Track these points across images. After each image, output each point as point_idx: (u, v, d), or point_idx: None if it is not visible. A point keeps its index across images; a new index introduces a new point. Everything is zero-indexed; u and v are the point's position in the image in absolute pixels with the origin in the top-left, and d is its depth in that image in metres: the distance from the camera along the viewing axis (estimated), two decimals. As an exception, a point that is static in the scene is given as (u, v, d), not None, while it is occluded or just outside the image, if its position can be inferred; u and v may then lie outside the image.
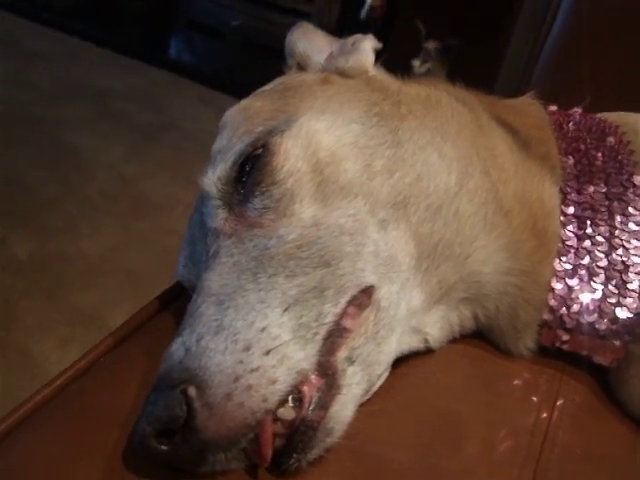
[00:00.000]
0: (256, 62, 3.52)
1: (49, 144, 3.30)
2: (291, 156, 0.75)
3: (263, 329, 0.66)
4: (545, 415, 0.80)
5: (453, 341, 0.86)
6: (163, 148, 3.39)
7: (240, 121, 0.82)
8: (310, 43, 0.98)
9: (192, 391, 0.62)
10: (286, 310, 0.67)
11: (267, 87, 0.90)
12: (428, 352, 0.83)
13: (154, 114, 3.71)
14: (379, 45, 0.94)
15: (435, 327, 0.82)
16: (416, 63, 3.39)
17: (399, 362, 0.81)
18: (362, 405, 0.73)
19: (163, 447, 0.62)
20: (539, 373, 0.85)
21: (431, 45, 3.41)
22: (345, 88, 0.85)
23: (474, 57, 3.11)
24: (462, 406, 0.79)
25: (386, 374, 0.78)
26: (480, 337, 0.87)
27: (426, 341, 0.82)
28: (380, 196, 0.76)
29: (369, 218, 0.75)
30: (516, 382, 0.84)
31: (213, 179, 0.78)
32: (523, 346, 0.85)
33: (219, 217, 0.77)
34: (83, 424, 0.73)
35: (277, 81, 0.91)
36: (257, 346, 0.65)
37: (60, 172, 3.08)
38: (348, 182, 0.75)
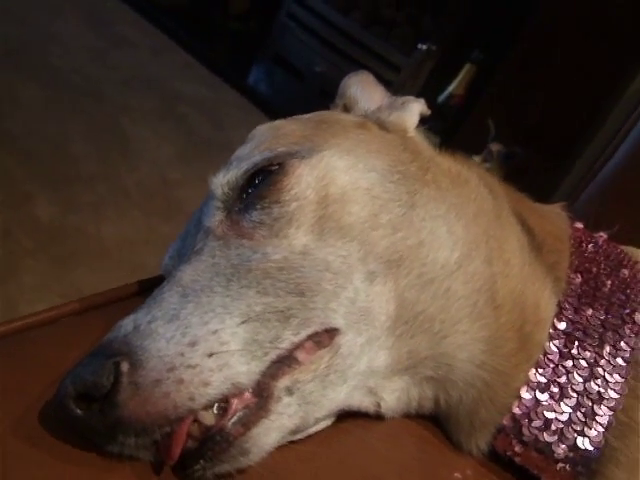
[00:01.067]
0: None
1: (106, 125, 3.35)
2: (302, 182, 0.76)
3: (215, 332, 0.65)
4: (476, 516, 0.77)
5: (406, 416, 0.84)
6: (212, 164, 3.36)
7: (267, 137, 0.83)
8: (363, 90, 0.99)
9: (125, 366, 0.62)
10: (244, 322, 0.67)
11: (306, 115, 0.91)
12: (378, 418, 0.81)
13: (214, 130, 3.75)
14: (427, 111, 0.95)
15: (392, 396, 0.80)
16: (476, 159, 3.40)
17: (345, 417, 0.79)
18: (293, 443, 0.72)
19: (78, 411, 0.62)
20: (482, 475, 0.81)
21: (495, 147, 3.42)
22: (378, 139, 0.85)
23: (532, 172, 3.12)
24: (393, 481, 0.77)
25: (327, 422, 0.77)
26: (435, 422, 0.85)
27: (378, 406, 0.80)
28: (376, 248, 0.75)
29: (358, 265, 0.74)
30: (456, 475, 0.80)
31: (222, 181, 0.79)
32: (474, 444, 0.82)
33: (215, 218, 0.78)
34: (17, 371, 0.72)
35: (317, 113, 0.92)
36: (203, 345, 0.64)
37: (106, 154, 3.12)
38: (349, 224, 0.74)
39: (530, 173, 3.06)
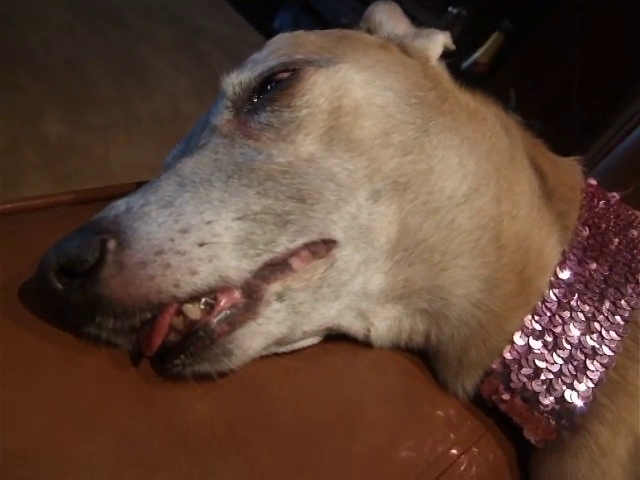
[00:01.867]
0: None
1: (125, 51, 3.32)
2: (316, 90, 0.74)
3: (209, 222, 0.63)
4: (455, 452, 0.76)
5: (394, 348, 0.82)
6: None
7: (285, 44, 0.81)
8: (389, 18, 0.97)
9: (111, 244, 0.60)
10: (240, 219, 0.65)
11: (328, 30, 0.88)
12: (366, 345, 0.80)
13: (233, 67, 3.70)
14: (452, 45, 0.93)
15: (383, 323, 0.79)
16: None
17: (333, 339, 0.78)
18: (277, 355, 0.70)
19: (58, 284, 0.60)
20: (465, 417, 0.81)
21: (514, 118, 3.37)
22: (399, 60, 0.83)
23: (549, 147, 3.07)
24: (374, 409, 0.76)
25: (314, 340, 0.76)
26: (422, 358, 0.84)
27: (368, 331, 0.79)
28: (384, 167, 0.73)
29: (364, 182, 0.72)
30: (439, 412, 0.79)
31: (234, 81, 0.78)
32: (460, 386, 0.80)
33: (223, 117, 0.76)
34: (1, 250, 0.71)
35: (339, 29, 0.90)
36: (194, 234, 0.62)
37: (123, 79, 3.08)
38: (359, 138, 0.72)
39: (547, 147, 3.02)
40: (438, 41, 0.90)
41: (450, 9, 3.89)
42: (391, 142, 0.74)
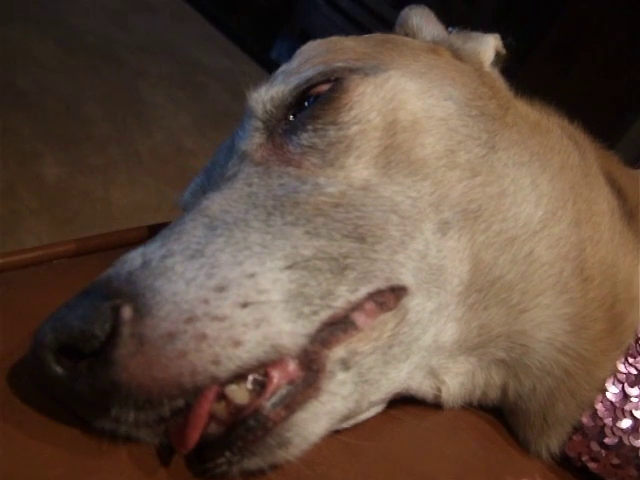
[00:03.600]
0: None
1: (121, 89, 3.25)
2: (365, 102, 0.62)
3: (251, 275, 0.50)
4: (546, 536, 0.64)
5: (466, 408, 0.71)
6: (228, 134, 3.28)
7: (320, 52, 0.70)
8: (427, 23, 0.85)
9: (127, 312, 0.47)
10: (290, 268, 0.52)
11: (365, 35, 0.77)
12: (434, 407, 0.68)
13: (232, 100, 3.62)
14: (503, 49, 0.83)
15: (455, 380, 0.67)
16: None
17: (396, 404, 0.66)
18: (336, 432, 0.58)
19: (59, 369, 0.47)
20: (551, 484, 0.69)
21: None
22: (453, 66, 0.72)
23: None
24: (452, 485, 0.63)
25: (378, 409, 0.64)
26: (497, 416, 0.72)
27: (438, 391, 0.67)
28: (452, 192, 0.61)
29: (430, 212, 0.60)
30: (524, 481, 0.68)
31: (264, 97, 0.66)
32: (545, 446, 0.69)
33: (254, 140, 0.65)
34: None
35: (378, 34, 0.78)
36: (235, 292, 0.49)
37: (121, 117, 3.00)
38: (421, 159, 0.61)
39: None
40: (489, 44, 0.81)
41: (449, 29, 3.80)
42: (457, 162, 0.63)
